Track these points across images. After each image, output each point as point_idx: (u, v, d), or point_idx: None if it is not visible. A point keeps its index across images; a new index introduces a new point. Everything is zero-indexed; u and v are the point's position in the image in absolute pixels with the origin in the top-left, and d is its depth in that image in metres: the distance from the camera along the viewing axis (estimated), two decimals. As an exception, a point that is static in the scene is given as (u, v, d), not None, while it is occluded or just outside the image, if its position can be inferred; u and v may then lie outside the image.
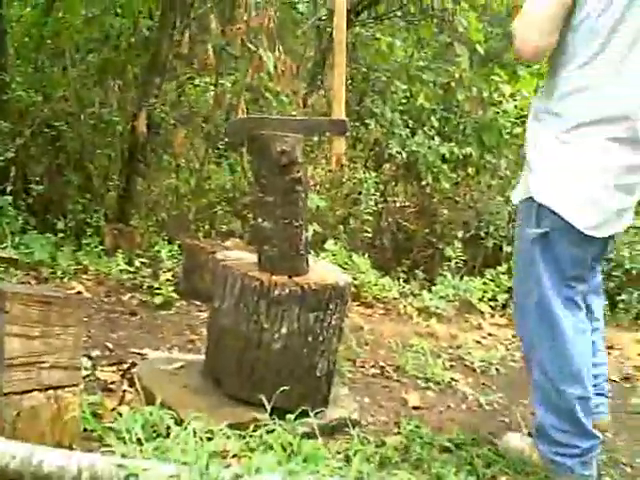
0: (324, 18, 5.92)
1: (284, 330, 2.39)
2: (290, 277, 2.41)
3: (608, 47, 2.25)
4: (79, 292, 3.83)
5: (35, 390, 1.96)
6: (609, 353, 4.43)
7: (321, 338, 2.44)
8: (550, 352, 2.42)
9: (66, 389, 2.02)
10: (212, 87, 5.24)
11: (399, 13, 6.06)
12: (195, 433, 2.06)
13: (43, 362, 1.97)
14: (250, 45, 4.50)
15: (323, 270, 2.62)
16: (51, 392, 1.99)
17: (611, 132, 2.30)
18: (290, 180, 2.36)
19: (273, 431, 2.23)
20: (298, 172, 2.35)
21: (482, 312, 4.88)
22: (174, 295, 3.92)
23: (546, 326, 2.42)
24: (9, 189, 4.63)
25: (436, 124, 5.66)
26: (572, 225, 2.33)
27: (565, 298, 2.42)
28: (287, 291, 2.37)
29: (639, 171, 2.35)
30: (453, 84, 5.70)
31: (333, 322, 2.45)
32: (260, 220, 2.45)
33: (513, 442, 2.59)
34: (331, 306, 2.42)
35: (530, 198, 2.42)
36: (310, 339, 2.42)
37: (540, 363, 2.46)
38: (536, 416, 2.53)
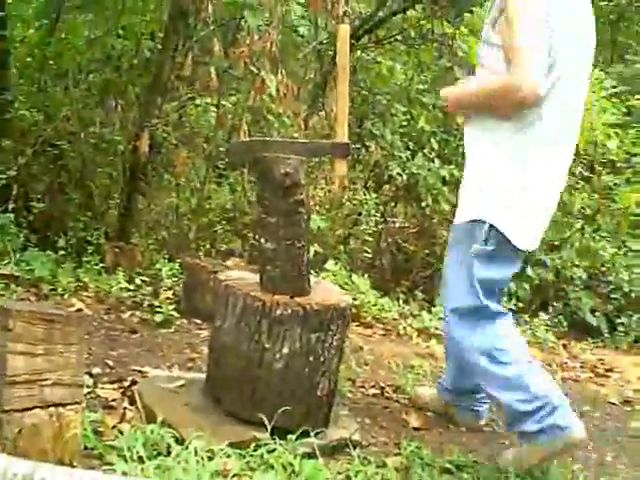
0: (325, 42, 5.98)
1: (285, 350, 2.40)
2: (292, 297, 2.42)
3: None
4: (79, 309, 3.83)
5: (37, 407, 1.96)
6: (608, 376, 4.45)
7: (322, 358, 2.45)
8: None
9: (68, 407, 2.03)
10: (214, 108, 5.28)
11: (400, 37, 6.11)
12: (196, 452, 2.07)
13: (46, 379, 1.97)
14: (252, 68, 4.55)
15: (324, 290, 2.63)
16: (53, 409, 1.99)
17: (555, 158, 2.56)
18: (293, 202, 2.38)
19: (274, 451, 2.24)
20: (301, 194, 2.37)
21: (481, 334, 4.88)
22: (174, 313, 3.92)
23: (482, 327, 2.66)
24: (11, 207, 4.64)
25: (436, 147, 5.70)
26: (514, 245, 2.57)
27: (496, 307, 2.69)
28: (289, 311, 2.38)
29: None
30: (453, 107, 5.73)
31: (334, 342, 2.46)
32: (263, 241, 2.46)
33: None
34: (332, 327, 2.44)
35: (480, 220, 2.59)
36: (311, 359, 2.43)
37: (482, 351, 2.66)
38: (501, 405, 2.72)
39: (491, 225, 2.57)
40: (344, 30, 2.57)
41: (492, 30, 2.56)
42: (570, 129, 2.63)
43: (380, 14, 5.85)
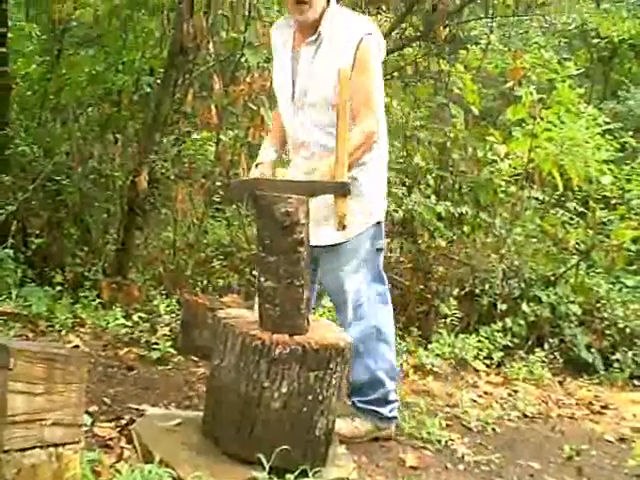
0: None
1: (284, 389, 2.41)
2: (291, 336, 2.44)
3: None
4: (76, 346, 3.84)
5: (36, 447, 1.96)
6: (604, 413, 4.45)
7: (321, 397, 2.45)
8: (390, 328, 3.26)
9: (67, 446, 2.03)
10: (212, 143, 5.32)
11: (396, 74, 6.18)
12: (195, 492, 2.07)
13: (45, 419, 1.97)
14: (252, 105, 4.60)
15: (323, 329, 2.65)
16: (52, 449, 1.99)
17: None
18: (292, 241, 2.40)
19: (272, 491, 2.24)
20: (300, 233, 2.40)
21: (477, 370, 4.89)
22: (172, 350, 3.92)
23: (386, 311, 3.23)
24: (9, 242, 4.66)
25: (432, 183, 5.75)
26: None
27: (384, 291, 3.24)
28: (288, 350, 2.39)
29: None
30: (448, 144, 5.80)
31: (333, 381, 2.47)
32: (262, 279, 2.48)
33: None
34: (331, 365, 2.45)
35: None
36: (310, 398, 2.43)
37: (385, 340, 3.20)
38: (383, 392, 3.19)
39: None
40: (345, 72, 2.62)
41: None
42: None
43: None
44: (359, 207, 2.97)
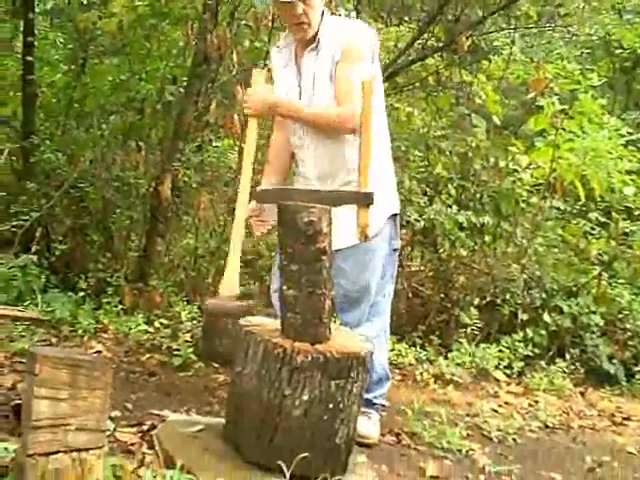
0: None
1: (305, 397, 2.41)
2: (313, 344, 2.44)
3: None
4: (99, 351, 3.88)
5: (60, 452, 1.99)
6: (626, 425, 4.41)
7: (342, 405, 2.45)
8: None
9: (90, 452, 2.04)
10: (234, 151, 5.36)
11: (418, 84, 6.19)
12: (216, 499, 2.08)
13: (69, 424, 2.00)
14: (274, 114, 4.62)
15: (344, 337, 2.65)
16: (76, 454, 2.01)
17: None
18: (315, 250, 2.41)
19: (292, 498, 2.24)
20: (323, 242, 2.40)
21: (498, 380, 4.87)
22: (193, 357, 3.95)
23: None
24: (34, 248, 4.71)
25: (453, 192, 5.73)
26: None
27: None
28: (309, 358, 2.39)
29: None
30: (470, 153, 5.79)
31: (354, 390, 2.47)
32: (285, 288, 2.49)
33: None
34: (352, 374, 2.45)
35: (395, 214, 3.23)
36: (331, 406, 2.43)
37: (387, 337, 3.43)
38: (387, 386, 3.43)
39: None
40: (368, 84, 2.64)
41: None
42: None
43: (399, 62, 5.93)
44: (375, 207, 3.03)
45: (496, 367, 4.96)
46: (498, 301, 5.55)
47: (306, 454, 2.38)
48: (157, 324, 4.37)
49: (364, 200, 2.58)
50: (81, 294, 4.64)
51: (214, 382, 3.75)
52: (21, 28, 5.48)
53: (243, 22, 5.08)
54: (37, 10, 5.70)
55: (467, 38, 5.81)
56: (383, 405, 3.41)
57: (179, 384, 3.64)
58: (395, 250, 3.28)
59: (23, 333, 3.90)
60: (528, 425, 4.02)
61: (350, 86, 3.00)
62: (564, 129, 5.83)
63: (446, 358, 4.90)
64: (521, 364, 5.06)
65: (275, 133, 3.41)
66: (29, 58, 5.23)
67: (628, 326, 5.67)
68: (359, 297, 3.20)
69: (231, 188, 5.20)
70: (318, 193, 2.68)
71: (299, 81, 3.17)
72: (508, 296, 5.53)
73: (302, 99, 3.15)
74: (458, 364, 4.82)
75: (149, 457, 2.54)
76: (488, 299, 5.58)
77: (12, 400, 2.59)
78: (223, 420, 2.73)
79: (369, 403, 3.27)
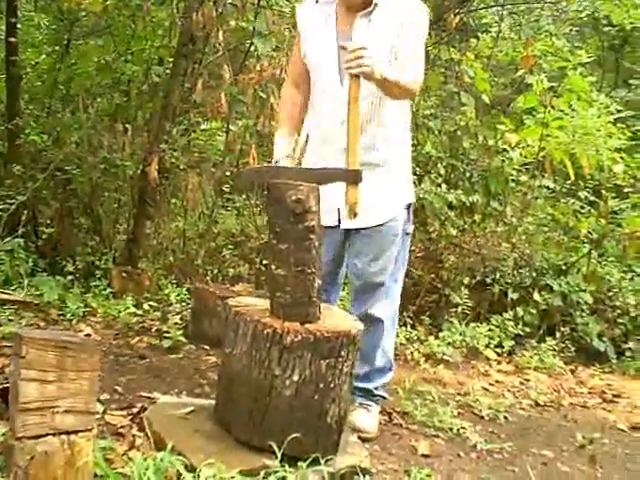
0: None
1: (295, 377, 2.40)
2: (302, 324, 2.43)
3: None
4: (88, 334, 3.85)
5: (49, 435, 1.97)
6: (616, 402, 4.43)
7: (332, 385, 2.44)
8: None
9: (80, 434, 2.03)
10: (222, 132, 5.31)
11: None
12: (207, 480, 2.07)
13: (58, 407, 1.98)
14: (262, 94, 4.59)
15: (334, 317, 2.63)
16: (65, 437, 2.00)
17: None
18: (303, 228, 2.39)
19: (284, 478, 2.23)
20: (312, 220, 2.38)
21: (488, 359, 4.88)
22: (182, 339, 3.93)
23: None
24: (20, 231, 4.67)
25: (442, 171, 5.71)
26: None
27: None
28: (299, 338, 2.38)
29: None
30: (459, 132, 5.77)
31: (344, 369, 2.46)
32: (273, 267, 2.47)
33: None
34: (343, 353, 2.44)
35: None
36: (321, 386, 2.42)
37: (394, 320, 3.29)
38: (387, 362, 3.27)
39: None
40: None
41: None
42: None
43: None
44: (393, 190, 3.08)
45: (487, 346, 4.97)
46: (488, 280, 5.55)
47: (297, 434, 2.37)
48: (146, 307, 4.35)
49: (353, 178, 2.55)
50: (69, 278, 4.61)
51: (204, 364, 3.73)
52: (4, 10, 5.39)
53: (229, 1, 5.01)
54: (20, -9, 5.61)
55: (455, 15, 5.76)
56: (383, 397, 3.32)
57: (169, 366, 3.62)
58: (407, 234, 3.23)
59: (11, 317, 3.87)
60: (519, 403, 4.03)
61: (418, 54, 2.95)
62: (553, 107, 5.80)
63: (437, 338, 4.91)
64: (511, 343, 5.07)
65: (288, 88, 3.18)
66: (12, 39, 5.15)
67: (617, 304, 5.68)
68: (375, 279, 3.11)
69: (219, 170, 5.16)
70: (306, 171, 2.65)
71: (338, 51, 2.89)
72: (498, 275, 5.53)
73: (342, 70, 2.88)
74: (449, 343, 4.83)
75: (139, 439, 2.53)
76: (478, 278, 5.58)
77: (0, 384, 2.56)
78: (213, 402, 2.72)
79: (369, 394, 3.22)
